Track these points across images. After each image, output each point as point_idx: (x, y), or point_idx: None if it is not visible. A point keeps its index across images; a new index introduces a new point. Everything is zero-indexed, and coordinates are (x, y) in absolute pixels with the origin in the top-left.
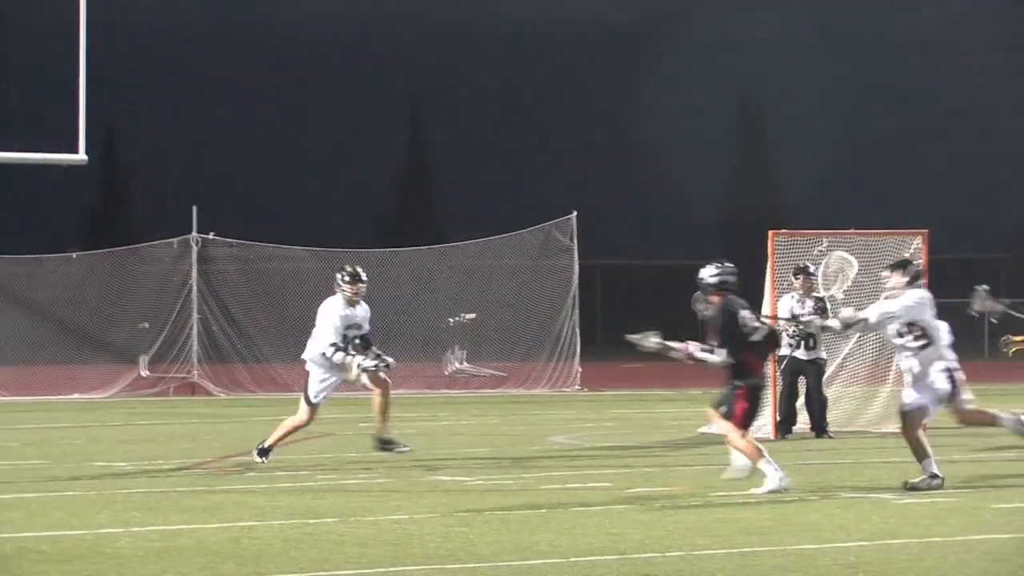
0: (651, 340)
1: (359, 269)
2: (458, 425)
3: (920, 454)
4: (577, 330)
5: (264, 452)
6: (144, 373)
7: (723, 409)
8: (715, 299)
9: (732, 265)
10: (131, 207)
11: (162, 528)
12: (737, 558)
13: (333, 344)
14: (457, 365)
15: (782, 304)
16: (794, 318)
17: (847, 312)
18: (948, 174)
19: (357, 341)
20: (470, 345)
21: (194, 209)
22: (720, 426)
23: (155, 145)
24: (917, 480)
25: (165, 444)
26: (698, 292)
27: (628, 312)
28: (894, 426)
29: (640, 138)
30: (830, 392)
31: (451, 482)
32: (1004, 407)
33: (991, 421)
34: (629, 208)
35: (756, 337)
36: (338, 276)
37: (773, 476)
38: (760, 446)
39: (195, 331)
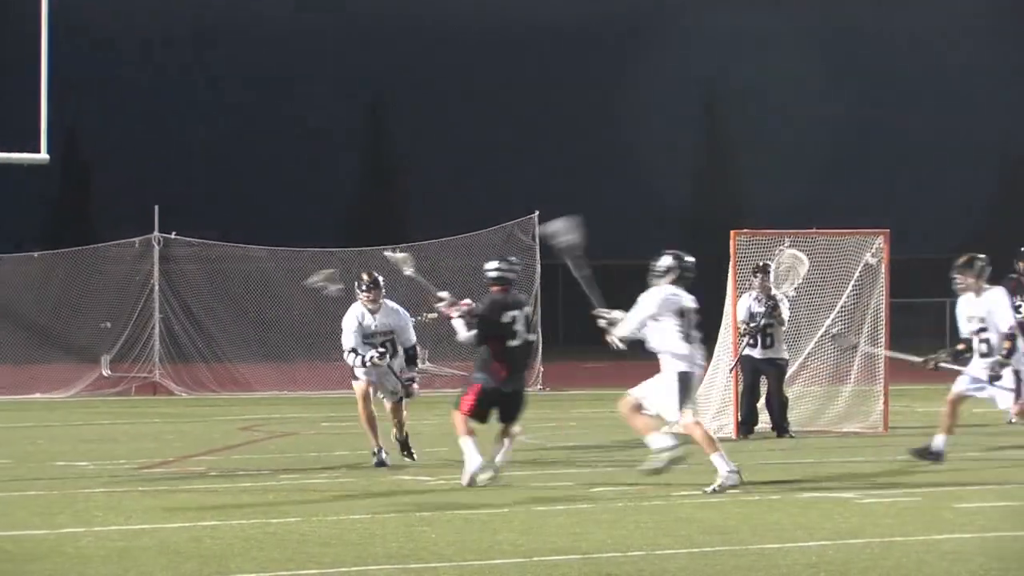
0: (409, 267)
1: (376, 275)
2: (420, 425)
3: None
4: (539, 330)
5: (405, 446)
6: (106, 372)
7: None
8: (496, 291)
9: (518, 262)
10: (93, 206)
11: (124, 528)
12: (699, 558)
13: (351, 350)
14: (420, 365)
15: (741, 303)
16: (752, 317)
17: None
18: (912, 174)
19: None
20: (432, 344)
21: (156, 208)
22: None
23: (117, 144)
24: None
25: (127, 443)
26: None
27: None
28: (855, 426)
29: (604, 137)
30: (791, 392)
31: (413, 482)
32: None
33: None
34: (592, 207)
35: (513, 342)
36: (356, 284)
37: (472, 460)
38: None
39: (157, 330)
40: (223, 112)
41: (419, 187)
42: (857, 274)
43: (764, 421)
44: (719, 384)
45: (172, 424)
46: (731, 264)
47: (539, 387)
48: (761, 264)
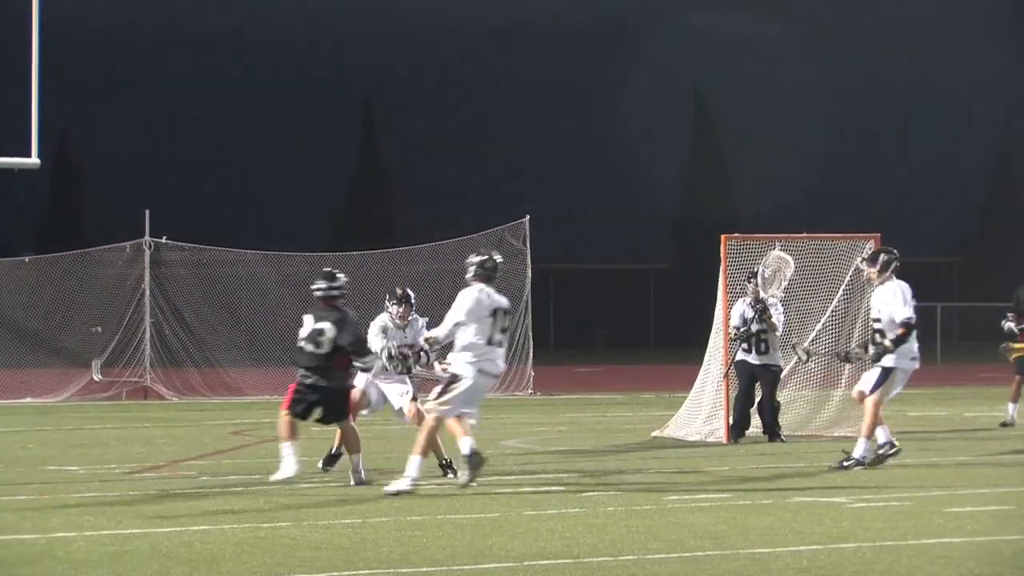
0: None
1: (409, 291)
2: (411, 430)
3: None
4: (530, 334)
5: (453, 467)
6: (97, 377)
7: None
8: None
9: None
10: (84, 211)
11: (115, 532)
12: (690, 562)
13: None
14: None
15: (735, 309)
16: (745, 323)
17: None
18: (902, 178)
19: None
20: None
21: (147, 213)
22: None
23: (108, 149)
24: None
25: (118, 448)
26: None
27: (581, 316)
28: (846, 430)
29: (595, 140)
30: (783, 396)
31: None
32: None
33: None
34: (582, 212)
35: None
36: (388, 297)
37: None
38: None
39: (148, 335)
40: (214, 117)
41: (410, 191)
42: (848, 278)
43: (755, 425)
44: (710, 388)
45: (163, 428)
46: (722, 268)
47: (530, 391)
48: (756, 270)
